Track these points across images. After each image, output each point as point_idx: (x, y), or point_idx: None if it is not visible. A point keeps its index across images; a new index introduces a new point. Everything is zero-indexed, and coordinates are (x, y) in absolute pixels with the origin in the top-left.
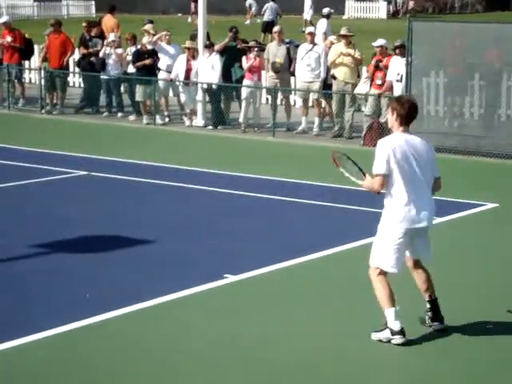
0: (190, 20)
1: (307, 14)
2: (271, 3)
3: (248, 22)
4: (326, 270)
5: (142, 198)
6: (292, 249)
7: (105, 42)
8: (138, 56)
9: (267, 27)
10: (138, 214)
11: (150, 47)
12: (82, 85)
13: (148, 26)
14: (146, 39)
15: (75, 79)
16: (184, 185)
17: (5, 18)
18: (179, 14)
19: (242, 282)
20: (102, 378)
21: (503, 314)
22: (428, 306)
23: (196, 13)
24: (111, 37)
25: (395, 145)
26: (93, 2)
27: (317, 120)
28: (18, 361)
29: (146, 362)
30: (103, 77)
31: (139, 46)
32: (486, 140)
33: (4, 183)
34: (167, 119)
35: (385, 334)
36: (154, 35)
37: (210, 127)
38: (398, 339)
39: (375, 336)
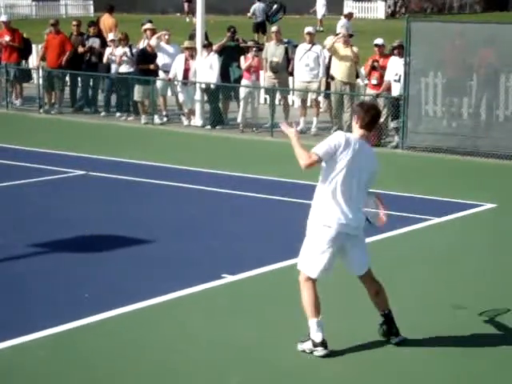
0: (188, 20)
1: (319, 13)
2: (258, 3)
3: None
4: None
5: (141, 198)
6: (290, 249)
7: (108, 43)
8: (143, 57)
9: (258, 28)
10: (137, 214)
11: (153, 44)
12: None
13: (149, 25)
14: (153, 41)
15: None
16: (182, 184)
17: (3, 18)
18: (178, 14)
19: (240, 282)
20: (102, 377)
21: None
22: (382, 319)
23: (190, 12)
24: (111, 36)
25: (346, 140)
26: (91, 2)
27: (315, 120)
28: (18, 360)
29: (145, 361)
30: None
31: (142, 47)
32: (484, 140)
33: (2, 183)
34: (165, 119)
35: (307, 345)
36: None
37: (208, 127)
38: (320, 351)
39: (300, 347)
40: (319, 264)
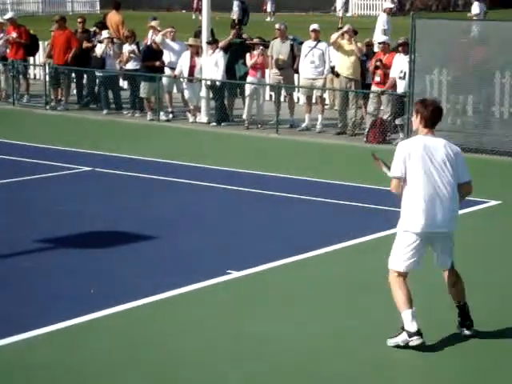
0: (194, 17)
1: (339, 11)
2: (237, 2)
3: (269, 18)
4: (328, 267)
5: (146, 194)
6: (296, 245)
7: (104, 40)
8: (149, 53)
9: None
10: (142, 210)
11: (159, 41)
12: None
13: (155, 23)
14: (159, 38)
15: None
16: (187, 181)
17: (10, 14)
18: (183, 11)
19: (245, 278)
20: (106, 372)
21: (505, 310)
22: (457, 310)
23: (198, 9)
24: (104, 34)
25: (412, 148)
26: None
27: (320, 117)
28: (22, 355)
29: (147, 357)
30: (100, 74)
31: (149, 43)
32: (489, 137)
33: (9, 179)
34: (171, 115)
35: (402, 338)
36: (160, 32)
37: (214, 124)
38: (415, 340)
39: (392, 342)
40: (404, 260)
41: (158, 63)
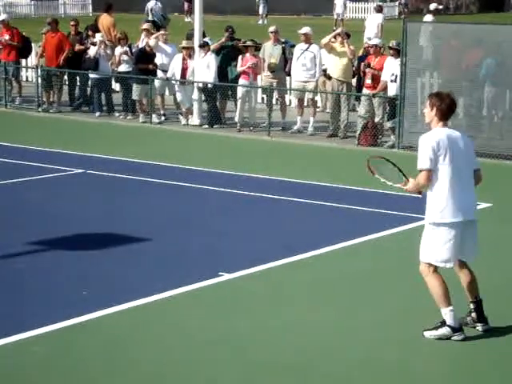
0: (187, 19)
1: (338, 13)
2: (154, 2)
3: (260, 21)
4: (320, 268)
5: (138, 197)
6: (287, 247)
7: (97, 42)
8: (142, 56)
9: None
10: (134, 213)
11: (152, 44)
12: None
13: (147, 25)
14: (152, 41)
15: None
16: (179, 183)
17: (2, 17)
18: (175, 14)
19: (236, 280)
20: (99, 375)
21: (500, 311)
22: (472, 306)
23: (188, 12)
24: (98, 37)
25: (438, 139)
26: (90, 1)
27: (312, 119)
28: (15, 357)
29: (142, 359)
30: (93, 76)
31: (141, 46)
32: (479, 140)
33: (0, 181)
34: (163, 118)
35: (443, 332)
36: (152, 34)
37: (206, 126)
38: (458, 335)
39: (432, 334)
40: (447, 251)
41: (151, 66)
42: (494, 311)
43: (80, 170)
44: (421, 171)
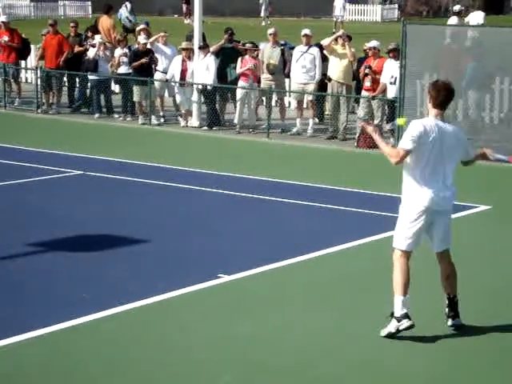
0: (186, 21)
1: (338, 15)
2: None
3: (264, 23)
4: (319, 270)
5: (137, 198)
6: (286, 249)
7: (96, 43)
8: (135, 56)
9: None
10: (133, 214)
11: (148, 46)
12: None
13: (142, 26)
14: (142, 39)
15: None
16: (178, 185)
17: (2, 18)
18: (175, 15)
19: (236, 282)
20: (99, 376)
21: (500, 312)
22: (446, 302)
23: (188, 14)
24: (97, 38)
25: (427, 125)
26: (89, 3)
27: (311, 121)
28: (15, 359)
29: (142, 361)
30: (92, 77)
31: (136, 46)
32: (478, 143)
33: (0, 182)
34: (162, 120)
35: (392, 325)
36: (151, 35)
37: (205, 128)
38: (405, 323)
39: (384, 332)
40: (408, 237)
41: (144, 60)
42: (494, 312)
43: (79, 172)
44: (400, 149)
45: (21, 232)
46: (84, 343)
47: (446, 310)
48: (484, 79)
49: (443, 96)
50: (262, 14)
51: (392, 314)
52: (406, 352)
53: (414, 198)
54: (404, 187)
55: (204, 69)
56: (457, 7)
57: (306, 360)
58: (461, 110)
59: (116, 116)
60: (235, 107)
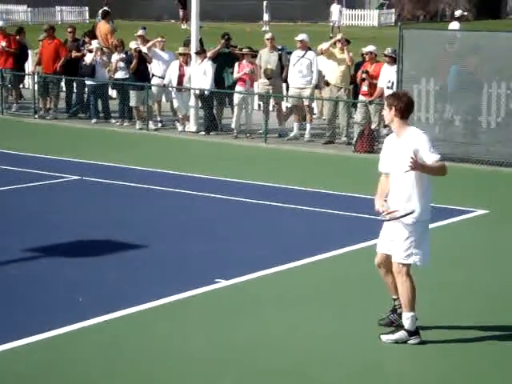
0: (183, 27)
1: (334, 20)
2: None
3: (264, 28)
4: (316, 274)
5: (135, 203)
6: (283, 253)
7: (94, 49)
8: (130, 63)
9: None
10: (131, 219)
11: (144, 50)
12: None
13: (141, 32)
14: (132, 44)
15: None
16: (176, 190)
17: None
18: (173, 21)
19: (233, 287)
20: (94, 379)
21: (499, 313)
22: (397, 303)
23: (184, 19)
24: (94, 43)
25: (386, 142)
26: (86, 8)
27: (308, 126)
28: (12, 364)
29: (139, 366)
30: (90, 83)
31: (129, 52)
32: (476, 147)
33: None
34: (160, 125)
35: (400, 335)
36: (148, 41)
37: (203, 133)
38: (415, 339)
39: (389, 338)
40: (425, 252)
41: (134, 61)
42: (494, 313)
43: (76, 177)
44: (439, 158)
45: (18, 237)
46: (83, 349)
47: (399, 310)
48: (472, 83)
49: (409, 107)
50: (265, 19)
51: (400, 327)
52: (407, 354)
53: (426, 210)
54: (414, 201)
55: (201, 74)
56: (458, 12)
57: (307, 364)
58: (458, 114)
59: (113, 121)
60: (232, 112)
